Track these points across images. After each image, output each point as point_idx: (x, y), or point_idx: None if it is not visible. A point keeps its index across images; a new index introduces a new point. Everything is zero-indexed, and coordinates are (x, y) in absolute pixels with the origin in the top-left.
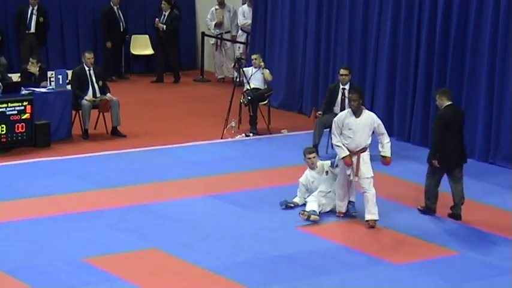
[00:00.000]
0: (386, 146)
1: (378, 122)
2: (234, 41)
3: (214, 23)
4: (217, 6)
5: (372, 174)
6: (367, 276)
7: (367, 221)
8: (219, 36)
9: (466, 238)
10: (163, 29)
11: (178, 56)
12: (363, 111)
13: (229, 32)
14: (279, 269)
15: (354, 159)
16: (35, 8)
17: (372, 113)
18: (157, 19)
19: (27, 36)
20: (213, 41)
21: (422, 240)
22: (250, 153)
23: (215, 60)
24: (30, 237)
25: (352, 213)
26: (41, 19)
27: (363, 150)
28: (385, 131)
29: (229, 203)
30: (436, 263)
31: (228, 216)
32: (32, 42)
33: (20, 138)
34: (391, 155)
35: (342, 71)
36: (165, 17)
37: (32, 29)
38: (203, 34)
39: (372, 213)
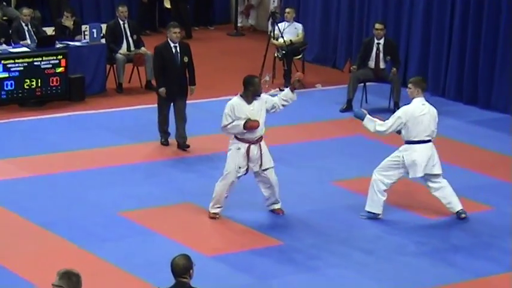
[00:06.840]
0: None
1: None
2: None
3: None
4: None
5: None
6: (401, 230)
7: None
8: None
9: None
10: None
11: (190, 10)
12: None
13: None
14: (313, 224)
15: None
16: None
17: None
18: None
19: None
20: None
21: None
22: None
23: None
24: (65, 191)
25: None
26: None
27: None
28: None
29: None
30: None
31: None
32: None
33: (54, 91)
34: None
35: (377, 26)
36: None
37: None
38: None
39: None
